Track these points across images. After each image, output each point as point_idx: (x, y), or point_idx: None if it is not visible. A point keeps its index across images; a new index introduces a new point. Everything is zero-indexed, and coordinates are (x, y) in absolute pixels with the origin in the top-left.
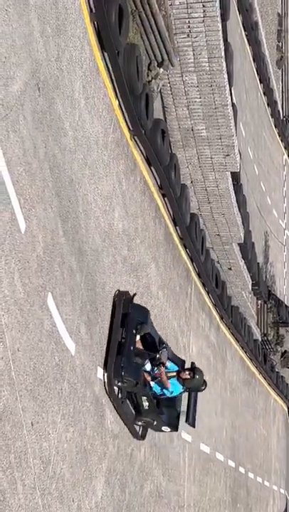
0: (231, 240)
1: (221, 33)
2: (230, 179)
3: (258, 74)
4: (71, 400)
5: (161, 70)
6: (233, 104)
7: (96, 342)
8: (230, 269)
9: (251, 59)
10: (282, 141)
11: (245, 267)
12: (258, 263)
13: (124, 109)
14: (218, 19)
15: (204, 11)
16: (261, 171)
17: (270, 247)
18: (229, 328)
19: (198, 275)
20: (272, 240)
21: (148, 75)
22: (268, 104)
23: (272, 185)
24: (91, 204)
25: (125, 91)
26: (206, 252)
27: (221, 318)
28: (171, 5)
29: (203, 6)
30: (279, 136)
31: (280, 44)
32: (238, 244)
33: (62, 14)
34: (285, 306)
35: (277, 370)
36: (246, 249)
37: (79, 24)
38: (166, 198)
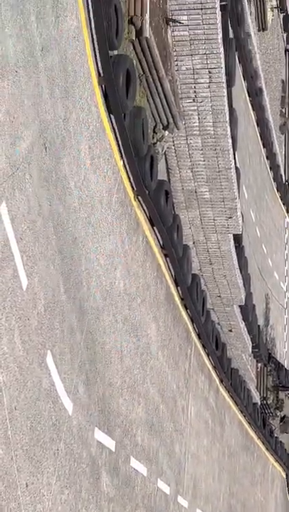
0: (232, 301)
1: (226, 98)
2: (232, 241)
3: (261, 138)
4: (67, 461)
5: (167, 132)
6: (236, 168)
7: (94, 402)
8: (230, 331)
9: (255, 124)
10: (284, 204)
11: (245, 329)
12: (259, 325)
13: (128, 170)
14: (224, 85)
15: (210, 77)
16: (263, 233)
17: (271, 309)
18: (228, 391)
19: (199, 336)
20: (273, 303)
21: (153, 137)
22: (270, 168)
23: (274, 247)
24: (93, 262)
25: (130, 152)
26: (207, 313)
27: (221, 380)
28: (177, 70)
29: (209, 73)
30: (281, 199)
31: (284, 110)
32: (239, 306)
33: (71, 77)
34: (285, 369)
35: (276, 435)
36: (247, 311)
37: (87, 87)
38: (168, 258)
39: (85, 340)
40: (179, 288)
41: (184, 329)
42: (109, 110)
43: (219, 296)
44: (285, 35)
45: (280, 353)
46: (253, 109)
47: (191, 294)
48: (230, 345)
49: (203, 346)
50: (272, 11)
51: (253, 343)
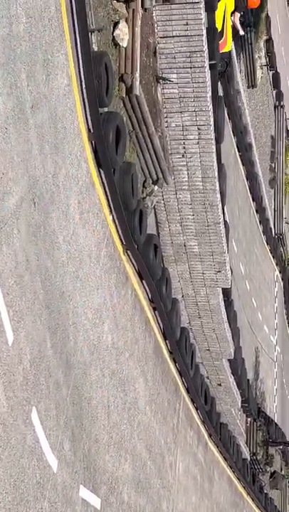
0: (221, 355)
1: (214, 154)
2: (221, 295)
3: (251, 193)
4: None
5: (156, 187)
6: (225, 222)
7: (79, 458)
8: (219, 385)
9: (245, 178)
10: (273, 257)
11: (234, 383)
12: (248, 379)
13: (118, 224)
14: (213, 142)
15: (199, 134)
16: (253, 286)
17: (261, 363)
18: (217, 446)
19: (187, 390)
20: (263, 356)
21: (143, 192)
22: (260, 222)
23: (264, 300)
24: (81, 317)
25: (120, 207)
26: (196, 367)
27: (210, 435)
28: (167, 127)
29: (199, 129)
30: (271, 252)
31: (273, 165)
32: (228, 359)
33: (60, 133)
34: (275, 424)
35: (266, 491)
36: (236, 365)
37: (77, 143)
38: (156, 312)
39: (71, 395)
40: (167, 341)
41: (173, 383)
42: (99, 165)
43: (208, 350)
44: (274, 92)
45: (270, 408)
46: (243, 164)
47: (180, 347)
48: (219, 399)
49: (192, 401)
50: (262, 68)
51: (242, 397)
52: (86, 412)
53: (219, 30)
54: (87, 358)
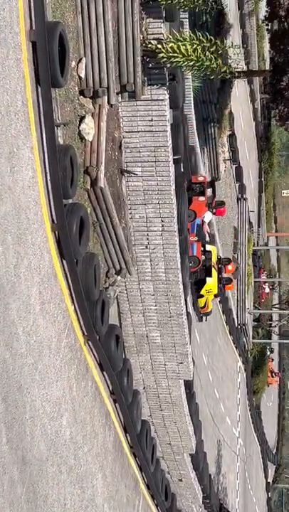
0: (182, 449)
1: (178, 246)
2: (183, 387)
3: None
4: None
5: (119, 277)
6: (188, 313)
7: None
8: (180, 480)
9: None
10: (236, 348)
11: (196, 478)
12: (210, 474)
13: (79, 315)
14: (176, 233)
15: (162, 226)
16: (215, 377)
17: (223, 456)
18: None
19: (147, 486)
20: (225, 449)
21: (105, 282)
22: (223, 312)
23: (226, 392)
24: (38, 410)
25: (82, 297)
26: (156, 462)
27: None
28: (131, 218)
29: (162, 221)
30: (234, 343)
31: (236, 256)
32: (190, 454)
33: (24, 224)
34: None
35: None
36: (198, 459)
37: (40, 233)
38: (117, 404)
39: (27, 493)
40: (127, 435)
41: (132, 479)
42: (62, 256)
43: (169, 444)
44: (237, 185)
45: (232, 503)
46: None
47: (141, 441)
48: (180, 495)
49: (152, 497)
50: (225, 162)
51: (203, 493)
52: (41, 510)
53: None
54: (44, 453)
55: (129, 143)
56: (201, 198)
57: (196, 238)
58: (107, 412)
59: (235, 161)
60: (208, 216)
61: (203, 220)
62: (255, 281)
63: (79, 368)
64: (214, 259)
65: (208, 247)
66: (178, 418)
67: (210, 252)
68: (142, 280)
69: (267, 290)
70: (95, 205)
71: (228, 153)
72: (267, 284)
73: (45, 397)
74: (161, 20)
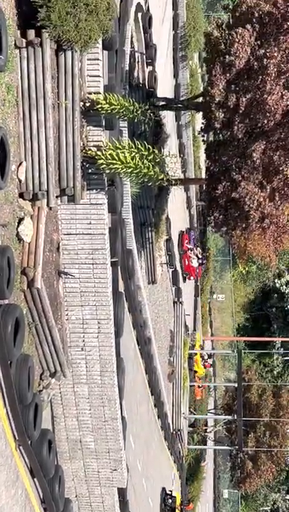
0: None
1: (114, 348)
2: (117, 495)
3: (149, 386)
4: None
5: (53, 380)
6: (122, 417)
7: None
8: None
9: (144, 372)
10: (171, 454)
11: None
12: None
13: (11, 419)
14: (112, 335)
15: (99, 328)
16: (150, 485)
17: None
18: None
19: None
20: None
21: (39, 385)
22: (158, 417)
23: (160, 500)
24: None
25: (14, 400)
26: None
27: None
28: (67, 319)
29: (98, 323)
30: (168, 449)
31: (172, 359)
32: None
33: None
34: None
35: None
36: None
37: None
38: None
39: None
40: None
41: None
42: None
43: None
44: (174, 288)
45: None
46: (142, 358)
47: None
48: None
49: None
50: (162, 266)
51: None
52: None
53: None
54: None
55: (67, 245)
56: None
57: None
58: None
59: (172, 264)
60: None
61: None
62: (190, 386)
63: (9, 474)
64: (178, 503)
65: (173, 493)
66: None
67: (175, 496)
68: (76, 383)
69: (195, 264)
70: (31, 305)
71: (165, 257)
72: (192, 253)
73: None
74: (101, 129)
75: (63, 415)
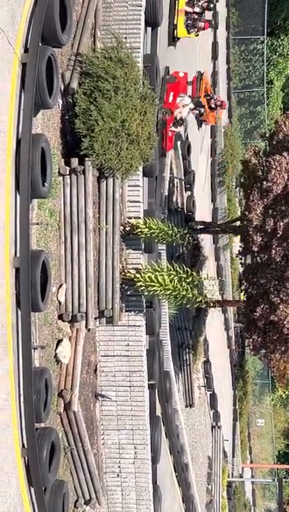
0: None
1: (150, 475)
2: None
3: None
4: None
5: (88, 507)
6: None
7: None
8: None
9: (181, 500)
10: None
11: None
12: None
13: None
14: (149, 461)
15: (135, 453)
16: None
17: None
18: None
19: None
20: None
21: None
22: None
23: None
24: None
25: None
26: None
27: None
28: (103, 444)
29: (135, 448)
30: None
31: (210, 487)
32: None
33: None
34: None
35: None
36: None
37: (9, 458)
38: None
39: None
40: None
41: None
42: (30, 483)
43: None
44: (211, 412)
45: None
46: (179, 485)
47: None
48: None
49: None
50: (200, 389)
51: None
52: None
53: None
54: None
55: (104, 367)
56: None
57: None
58: None
59: (210, 387)
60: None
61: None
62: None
63: None
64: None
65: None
66: None
67: None
68: (111, 510)
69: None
70: (67, 429)
71: (203, 380)
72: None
73: None
74: (140, 252)
75: None
